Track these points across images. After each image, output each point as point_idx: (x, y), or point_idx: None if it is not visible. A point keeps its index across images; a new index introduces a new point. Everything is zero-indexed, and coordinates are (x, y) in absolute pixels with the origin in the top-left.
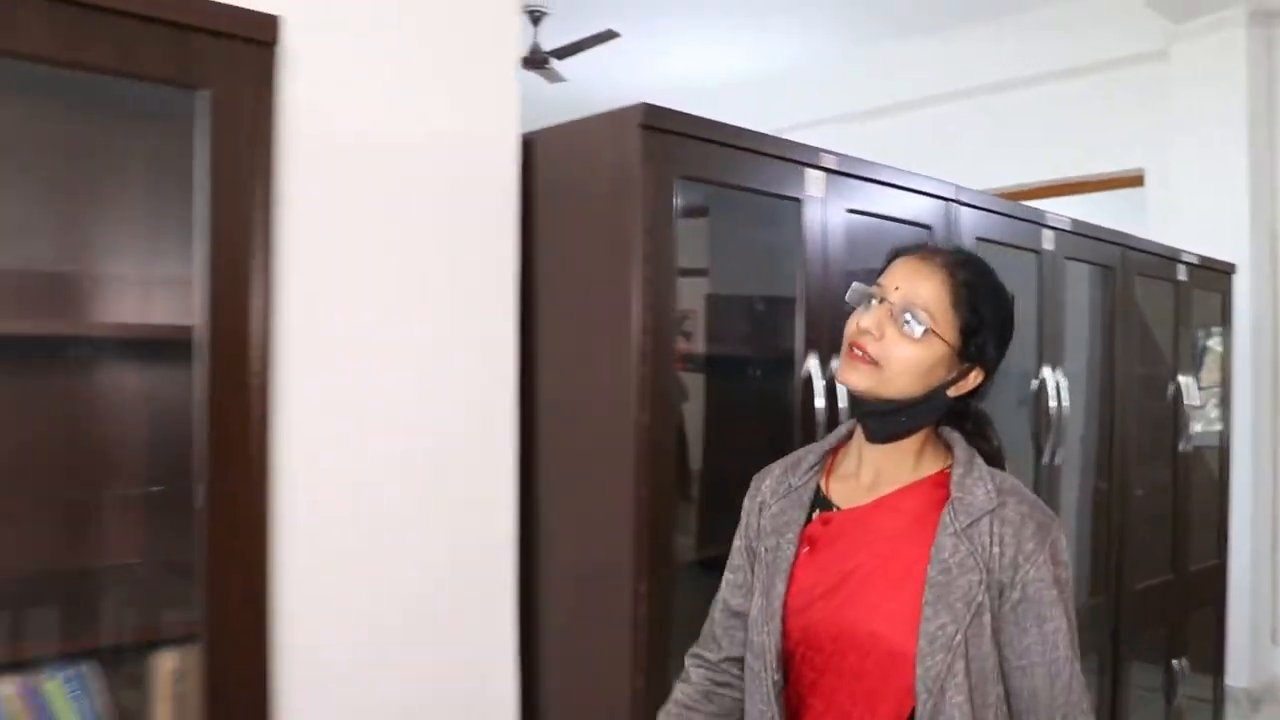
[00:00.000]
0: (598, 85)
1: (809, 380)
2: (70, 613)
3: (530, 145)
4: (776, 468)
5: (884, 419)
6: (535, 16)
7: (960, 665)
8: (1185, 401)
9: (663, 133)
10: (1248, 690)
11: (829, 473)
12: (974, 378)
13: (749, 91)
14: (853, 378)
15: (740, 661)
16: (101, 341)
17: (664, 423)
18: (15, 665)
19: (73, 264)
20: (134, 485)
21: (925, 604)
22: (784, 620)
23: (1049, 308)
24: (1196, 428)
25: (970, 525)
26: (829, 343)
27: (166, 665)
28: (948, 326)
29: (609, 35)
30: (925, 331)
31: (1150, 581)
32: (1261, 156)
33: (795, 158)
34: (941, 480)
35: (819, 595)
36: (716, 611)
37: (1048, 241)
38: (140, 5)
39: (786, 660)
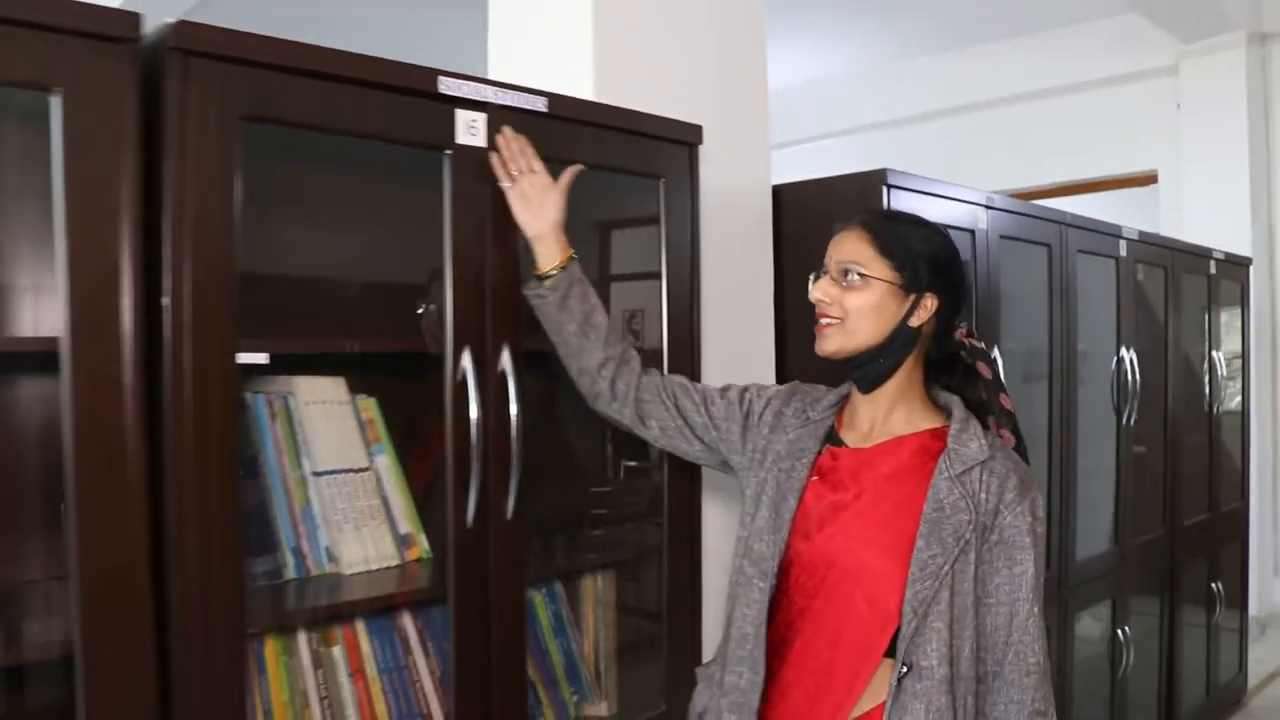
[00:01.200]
0: None
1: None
2: None
3: (779, 194)
4: (797, 390)
5: (865, 368)
6: None
7: (945, 595)
8: (1220, 374)
9: (902, 190)
10: (1255, 617)
11: (840, 414)
12: (930, 304)
13: (802, 97)
14: (824, 345)
15: (620, 374)
16: None
17: None
18: None
19: None
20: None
21: (919, 536)
22: (788, 537)
23: (1124, 301)
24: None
25: (964, 473)
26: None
27: None
28: (881, 268)
29: None
30: (862, 278)
31: (1195, 519)
32: (1259, 160)
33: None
34: (939, 435)
35: (818, 522)
36: (685, 383)
37: (1122, 249)
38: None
39: (780, 579)
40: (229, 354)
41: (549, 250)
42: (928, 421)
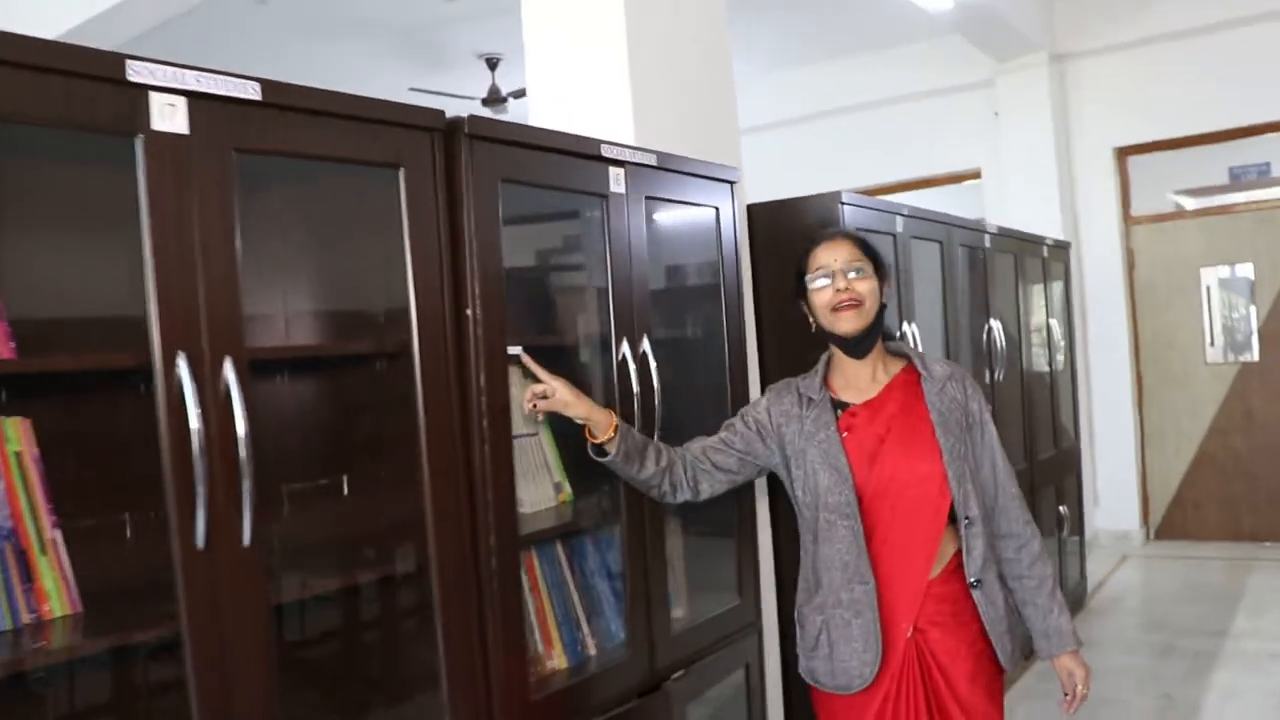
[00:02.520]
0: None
1: None
2: None
3: (752, 212)
4: (784, 388)
5: (869, 338)
6: (492, 63)
7: (965, 467)
8: (1055, 338)
9: (850, 205)
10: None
11: (831, 387)
12: (886, 288)
13: None
14: (851, 324)
15: (692, 468)
16: None
17: None
18: None
19: None
20: None
21: (938, 435)
22: (853, 480)
23: (991, 282)
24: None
25: (942, 387)
26: None
27: None
28: (869, 264)
29: None
30: (862, 273)
31: (1045, 455)
32: (1063, 157)
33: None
34: (909, 370)
35: (868, 459)
36: (711, 442)
37: (987, 241)
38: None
39: (858, 508)
40: (503, 346)
41: (600, 421)
42: (896, 365)
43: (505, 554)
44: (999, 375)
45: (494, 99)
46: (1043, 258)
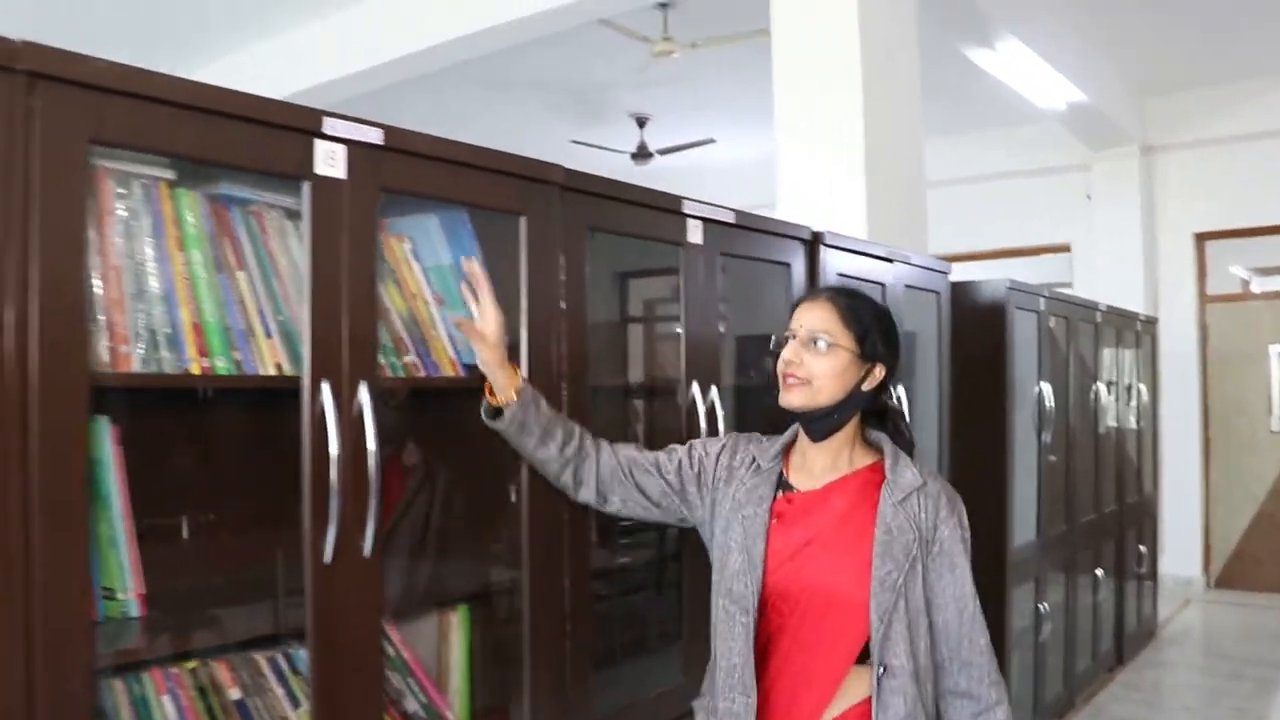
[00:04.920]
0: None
1: None
2: None
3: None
4: (743, 440)
5: (821, 421)
6: (641, 121)
7: (902, 603)
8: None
9: (1023, 291)
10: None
11: (787, 461)
12: (879, 372)
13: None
14: (792, 399)
15: (600, 462)
16: None
17: None
18: None
19: None
20: None
21: (875, 556)
22: (763, 574)
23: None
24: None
25: (904, 499)
26: None
27: None
28: (845, 338)
29: (708, 141)
30: (830, 345)
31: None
32: (1149, 239)
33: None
34: (876, 469)
35: (787, 558)
36: (641, 459)
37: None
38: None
39: (759, 611)
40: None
41: (504, 380)
42: (865, 459)
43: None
44: (1101, 429)
45: (642, 154)
46: (1135, 330)
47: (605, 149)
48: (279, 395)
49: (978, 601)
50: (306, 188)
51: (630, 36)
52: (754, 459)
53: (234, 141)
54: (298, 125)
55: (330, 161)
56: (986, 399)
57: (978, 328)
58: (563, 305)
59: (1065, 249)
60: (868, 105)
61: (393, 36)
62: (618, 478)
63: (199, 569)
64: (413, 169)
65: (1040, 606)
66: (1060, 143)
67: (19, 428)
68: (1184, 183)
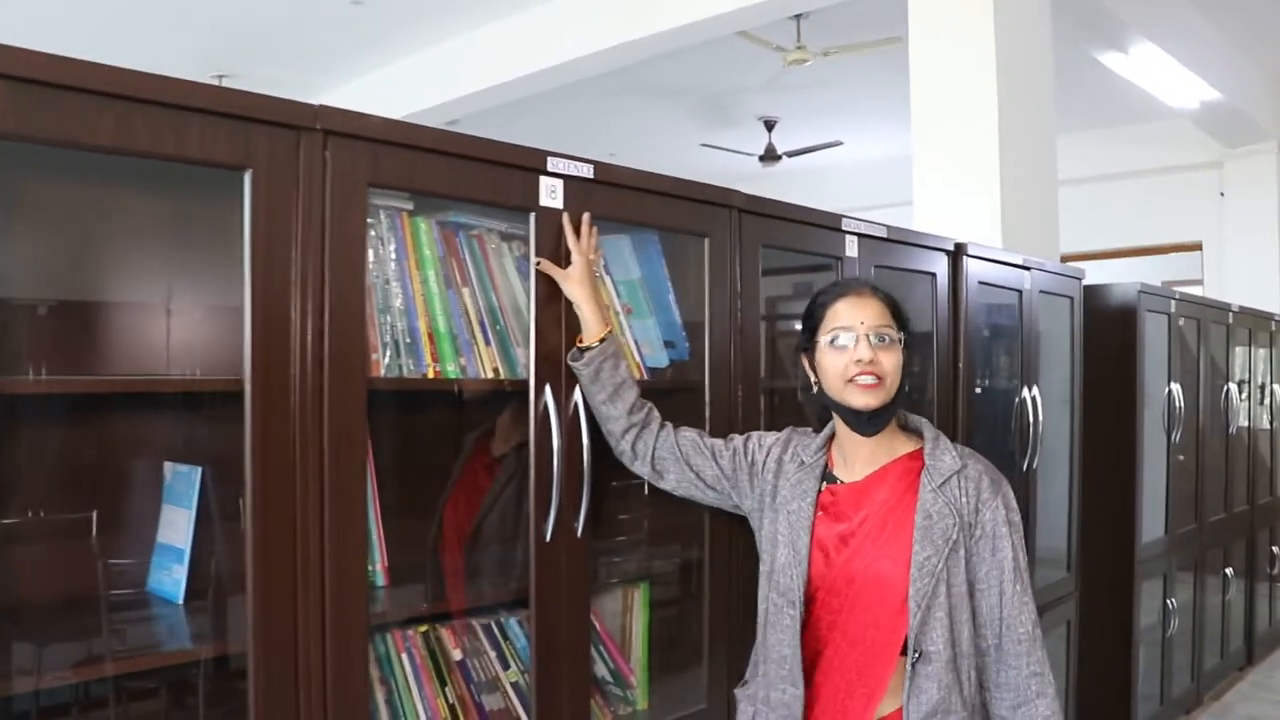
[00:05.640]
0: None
1: None
2: None
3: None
4: (794, 435)
5: (882, 416)
6: (769, 124)
7: (942, 589)
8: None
9: (1154, 294)
10: None
11: (830, 454)
12: (912, 361)
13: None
14: (870, 400)
15: (648, 432)
16: None
17: None
18: None
19: None
20: None
21: (915, 541)
22: (809, 566)
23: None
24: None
25: (943, 484)
26: None
27: None
28: (896, 330)
29: (836, 144)
30: (892, 340)
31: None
32: None
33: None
34: (916, 456)
35: (833, 548)
36: (702, 442)
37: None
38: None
39: (807, 604)
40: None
41: (592, 322)
42: (905, 445)
43: None
44: (1232, 430)
45: (770, 156)
46: (1270, 331)
47: (734, 151)
48: (497, 395)
49: (1024, 585)
50: (532, 218)
51: (766, 46)
52: (799, 455)
53: (478, 180)
54: (526, 164)
55: (551, 194)
56: (1117, 399)
57: (1108, 330)
58: (739, 315)
59: (1196, 247)
60: (1003, 111)
61: (541, 49)
62: (674, 456)
63: (425, 546)
64: (616, 198)
65: (1168, 602)
66: (1191, 139)
67: (316, 426)
68: None
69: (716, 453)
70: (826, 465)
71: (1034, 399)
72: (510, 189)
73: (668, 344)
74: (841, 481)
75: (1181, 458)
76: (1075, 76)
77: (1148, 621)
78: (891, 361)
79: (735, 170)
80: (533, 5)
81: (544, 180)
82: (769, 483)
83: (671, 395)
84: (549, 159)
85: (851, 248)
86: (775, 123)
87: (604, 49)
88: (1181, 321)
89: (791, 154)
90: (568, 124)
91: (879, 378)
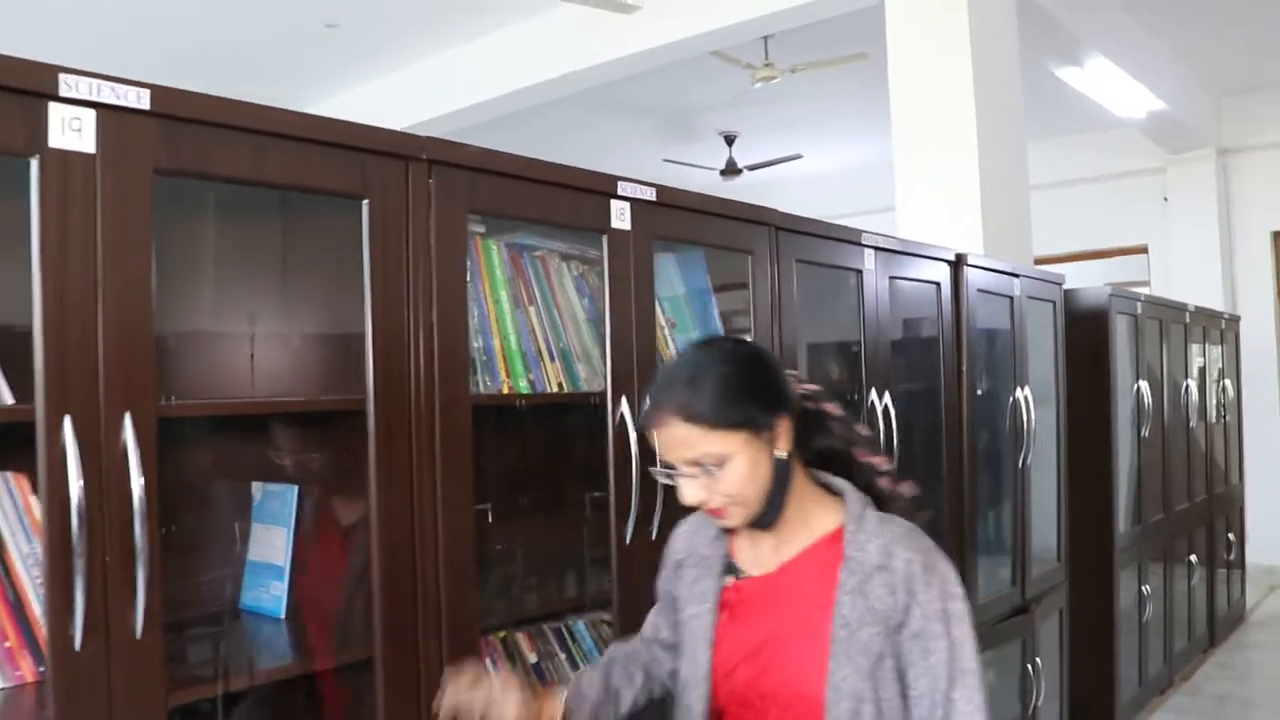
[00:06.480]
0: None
1: None
2: None
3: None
4: (689, 524)
5: (765, 516)
6: (729, 139)
7: (868, 709)
8: (1227, 395)
9: (1122, 296)
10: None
11: (733, 540)
12: (783, 429)
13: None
14: (733, 524)
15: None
16: None
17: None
18: None
19: None
20: None
21: (830, 659)
22: (712, 684)
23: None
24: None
25: (865, 582)
26: None
27: None
28: (726, 440)
29: (795, 157)
30: (720, 462)
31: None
32: (1225, 237)
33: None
34: (838, 536)
35: (742, 659)
36: (645, 633)
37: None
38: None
39: (717, 718)
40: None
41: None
42: (826, 520)
43: None
44: (1191, 424)
45: (730, 170)
46: (1220, 328)
47: (696, 166)
48: (565, 408)
49: (967, 690)
50: (605, 240)
51: (735, 64)
52: (696, 548)
53: (558, 204)
54: (599, 189)
55: (621, 217)
56: (1089, 397)
57: (1081, 331)
58: (778, 324)
59: (1143, 250)
60: (980, 122)
61: (516, 70)
62: (663, 657)
63: (498, 552)
64: (675, 219)
65: (1143, 589)
66: (1137, 147)
67: (429, 441)
68: (1260, 183)
69: (656, 630)
70: (728, 554)
71: (1026, 399)
72: (585, 212)
73: None
74: (747, 574)
75: (1149, 452)
76: (1031, 88)
77: (1125, 608)
78: (732, 482)
79: (696, 184)
80: (508, 25)
81: (614, 203)
82: (673, 592)
83: None
84: (618, 183)
85: (870, 260)
86: (735, 137)
87: (579, 69)
88: (1145, 322)
89: (752, 167)
90: (531, 140)
91: (725, 508)
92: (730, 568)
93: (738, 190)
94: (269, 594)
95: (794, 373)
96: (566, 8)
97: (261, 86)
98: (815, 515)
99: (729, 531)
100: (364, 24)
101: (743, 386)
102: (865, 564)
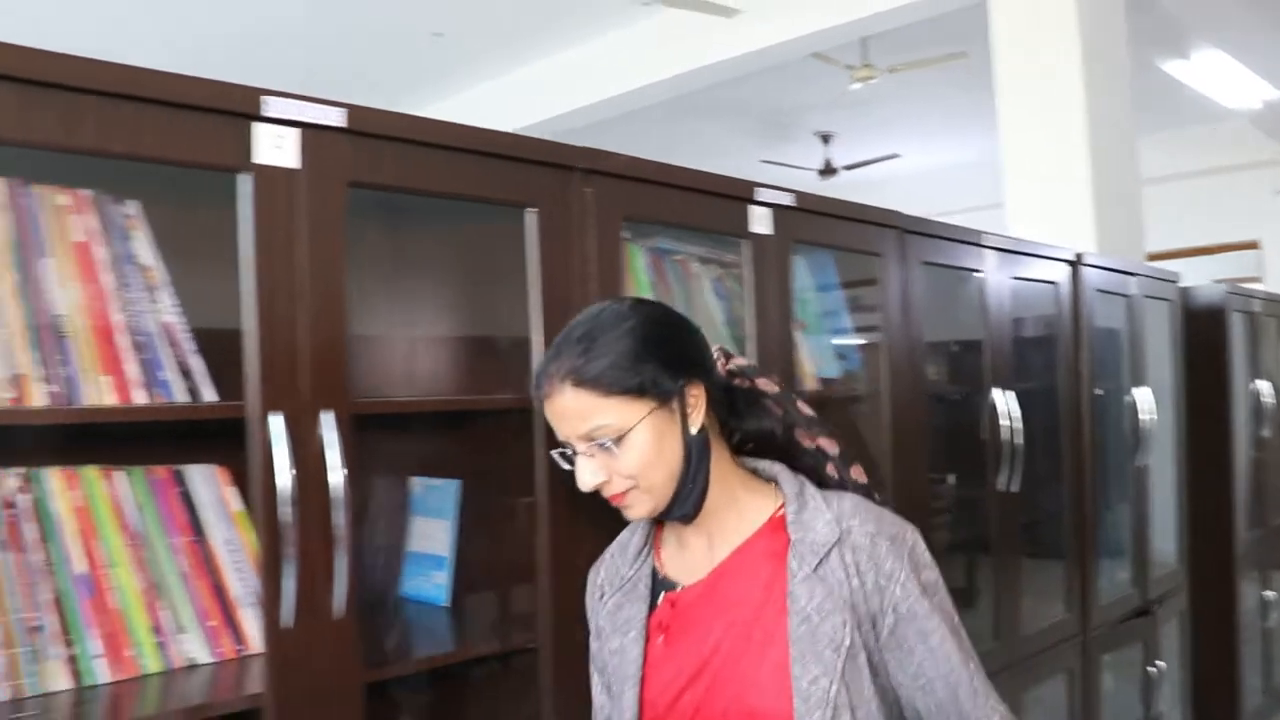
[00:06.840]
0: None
1: None
2: None
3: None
4: (607, 555)
5: (680, 505)
6: (826, 139)
7: (845, 715)
8: None
9: (1240, 294)
10: None
11: (659, 550)
12: (695, 397)
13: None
14: (635, 513)
15: None
16: None
17: None
18: None
19: None
20: None
21: (793, 662)
22: None
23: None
24: None
25: (819, 565)
26: None
27: None
28: (621, 406)
29: (893, 156)
30: (618, 436)
31: None
32: None
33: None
34: (779, 524)
35: (685, 685)
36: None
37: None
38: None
39: None
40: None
41: None
42: (763, 507)
43: None
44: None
45: (827, 170)
46: None
47: (793, 166)
48: None
49: (972, 664)
50: (744, 245)
51: (834, 65)
52: (618, 568)
53: (702, 210)
54: (739, 194)
55: (761, 221)
56: (1205, 397)
57: (1197, 330)
58: (907, 324)
59: (1254, 245)
60: (1091, 117)
61: (616, 75)
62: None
63: None
64: (811, 223)
65: (1264, 594)
66: (1246, 140)
67: None
68: None
69: (602, 709)
70: (654, 568)
71: (1144, 399)
72: (727, 217)
73: (839, 355)
74: (679, 586)
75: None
76: (1135, 83)
77: (1248, 613)
78: (632, 460)
79: (793, 184)
80: (608, 30)
81: (752, 209)
82: (595, 624)
83: (844, 403)
84: (756, 189)
85: (991, 261)
86: (831, 136)
87: (680, 73)
88: (1263, 320)
89: (850, 167)
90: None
91: (626, 493)
92: (660, 584)
93: (836, 190)
94: (430, 583)
95: (719, 347)
96: (668, 12)
97: (373, 94)
98: (749, 504)
99: (654, 542)
100: (467, 33)
101: (643, 345)
102: (816, 544)
